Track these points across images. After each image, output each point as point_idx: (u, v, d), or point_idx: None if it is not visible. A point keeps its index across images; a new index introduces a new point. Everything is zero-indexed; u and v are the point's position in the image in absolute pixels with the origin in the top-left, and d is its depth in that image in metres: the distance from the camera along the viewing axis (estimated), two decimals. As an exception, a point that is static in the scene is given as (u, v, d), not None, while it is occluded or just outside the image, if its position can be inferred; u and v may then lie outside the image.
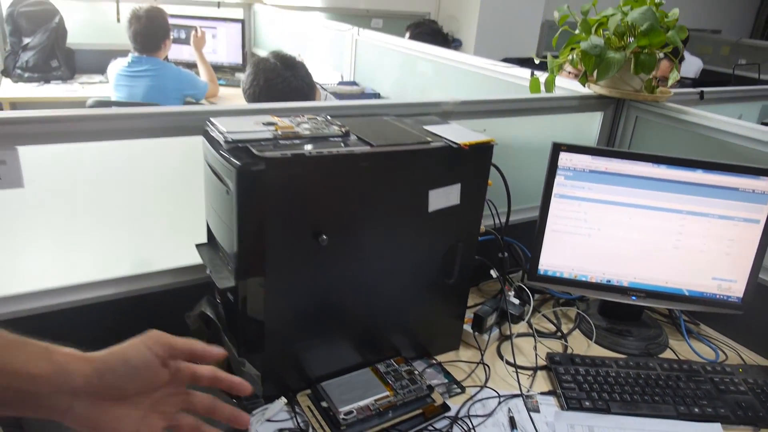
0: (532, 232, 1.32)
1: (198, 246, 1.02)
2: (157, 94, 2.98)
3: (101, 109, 0.92)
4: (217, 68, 3.67)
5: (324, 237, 0.90)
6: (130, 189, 1.05)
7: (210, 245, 1.02)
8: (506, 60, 4.52)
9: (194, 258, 1.05)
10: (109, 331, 1.04)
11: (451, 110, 1.24)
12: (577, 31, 1.45)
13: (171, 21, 3.10)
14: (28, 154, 0.88)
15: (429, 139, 0.97)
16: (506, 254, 1.27)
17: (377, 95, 2.65)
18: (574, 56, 1.48)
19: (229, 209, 0.86)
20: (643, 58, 1.35)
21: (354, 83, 2.82)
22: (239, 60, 3.88)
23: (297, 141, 0.88)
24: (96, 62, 3.67)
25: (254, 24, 4.01)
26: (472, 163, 1.03)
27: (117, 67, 3.00)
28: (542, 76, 1.53)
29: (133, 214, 1.05)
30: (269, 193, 0.84)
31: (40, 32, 3.34)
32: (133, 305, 1.04)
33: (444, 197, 1.03)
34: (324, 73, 3.08)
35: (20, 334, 0.96)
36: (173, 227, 1.09)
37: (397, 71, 2.55)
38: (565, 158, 1.24)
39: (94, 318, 1.00)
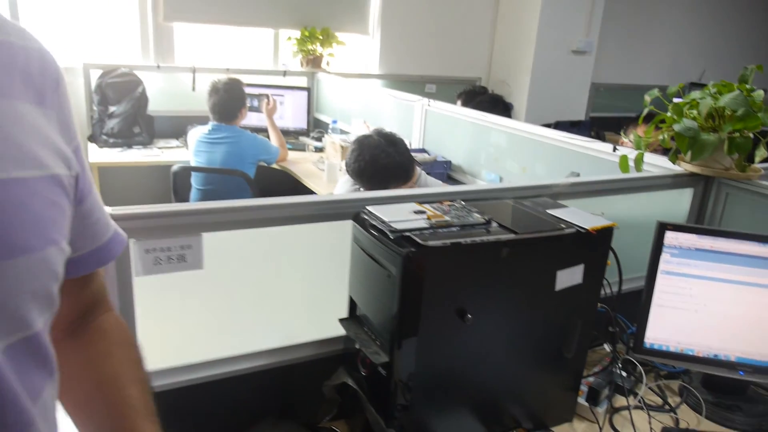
0: (630, 303, 1.37)
1: (342, 320, 1.11)
2: (234, 159, 3.16)
3: (271, 200, 1.03)
4: (284, 133, 3.86)
5: (469, 316, 0.98)
6: (280, 267, 1.15)
7: (354, 320, 1.11)
8: (558, 123, 4.64)
9: (332, 330, 1.14)
10: (258, 398, 1.13)
11: (561, 192, 1.32)
12: (669, 114, 1.54)
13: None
14: (208, 240, 0.99)
15: (562, 225, 1.06)
16: (617, 328, 1.32)
17: (448, 163, 2.77)
18: (665, 136, 1.57)
19: (389, 291, 0.95)
20: (739, 141, 1.43)
21: (424, 151, 2.95)
22: (304, 125, 4.09)
23: (450, 230, 0.97)
24: (172, 127, 3.92)
25: (317, 91, 4.23)
26: (596, 246, 1.11)
27: (197, 134, 3.21)
28: (631, 154, 1.61)
29: (281, 290, 1.15)
30: (428, 277, 0.93)
31: (124, 101, 3.60)
32: (280, 375, 1.12)
33: (569, 277, 1.10)
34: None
35: (191, 402, 1.04)
36: (313, 302, 1.19)
37: (469, 141, 2.68)
38: (670, 237, 1.31)
39: (247, 387, 1.09)
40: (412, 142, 3.09)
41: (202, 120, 3.94)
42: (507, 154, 2.43)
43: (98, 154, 3.44)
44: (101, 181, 3.38)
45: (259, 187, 3.16)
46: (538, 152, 2.24)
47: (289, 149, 3.74)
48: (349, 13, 4.45)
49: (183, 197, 3.24)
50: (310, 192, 3.17)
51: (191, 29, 4.08)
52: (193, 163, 3.22)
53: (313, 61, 4.22)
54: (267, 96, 3.68)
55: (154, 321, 1.00)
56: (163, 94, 3.91)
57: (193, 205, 0.97)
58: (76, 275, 0.63)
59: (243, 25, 4.16)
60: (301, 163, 3.57)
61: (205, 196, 3.18)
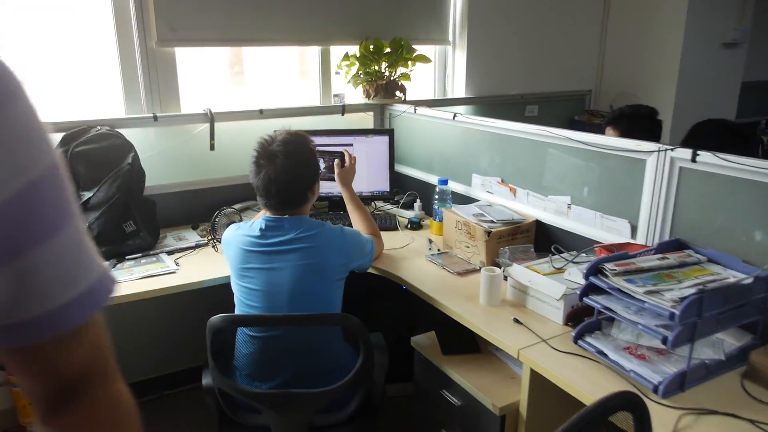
0: None
1: None
2: (312, 277, 1.75)
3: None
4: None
5: None
6: None
7: None
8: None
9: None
10: None
11: None
12: None
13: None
14: None
15: None
16: None
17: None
18: None
19: None
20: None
21: (683, 246, 1.56)
22: (386, 186, 2.68)
23: None
24: (184, 211, 2.52)
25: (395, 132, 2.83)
26: None
27: (238, 239, 1.79)
28: None
29: None
30: None
31: (106, 182, 2.18)
32: None
33: None
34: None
35: None
36: None
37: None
38: None
39: None
40: (641, 222, 1.71)
41: (227, 193, 2.56)
42: None
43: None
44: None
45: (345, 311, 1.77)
46: None
47: (375, 231, 2.34)
48: (420, 17, 3.08)
49: (227, 353, 1.82)
50: (451, 323, 1.76)
51: (198, 58, 2.67)
52: (239, 292, 1.80)
53: (385, 89, 2.83)
54: (343, 153, 2.27)
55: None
56: (165, 161, 2.50)
57: None
58: (19, 345, 0.51)
59: (276, 43, 2.76)
60: (407, 259, 2.16)
61: (265, 346, 1.76)
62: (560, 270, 1.75)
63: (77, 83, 2.43)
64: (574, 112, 3.65)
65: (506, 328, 1.62)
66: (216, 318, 1.58)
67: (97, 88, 2.48)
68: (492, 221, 2.04)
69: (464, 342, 1.86)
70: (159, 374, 2.68)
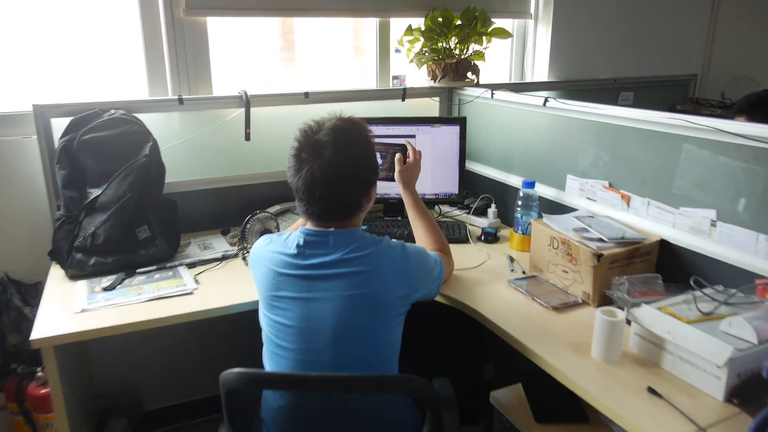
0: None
1: None
2: (365, 311, 1.30)
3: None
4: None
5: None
6: None
7: None
8: None
9: None
10: None
11: None
12: None
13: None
14: None
15: None
16: None
17: None
18: None
19: None
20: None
21: None
22: (455, 188, 2.20)
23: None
24: (206, 210, 2.12)
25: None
26: None
27: (269, 257, 1.37)
28: None
29: None
30: None
31: (117, 177, 1.80)
32: None
33: None
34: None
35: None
36: None
37: None
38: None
39: None
40: None
41: (264, 192, 2.15)
42: None
43: (64, 302, 1.62)
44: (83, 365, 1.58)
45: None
46: None
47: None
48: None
49: (249, 404, 1.40)
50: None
51: (234, 31, 2.27)
52: (264, 321, 1.38)
53: (455, 69, 2.35)
54: (404, 146, 1.82)
55: None
56: (190, 153, 2.11)
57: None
58: None
59: (326, 13, 2.32)
60: (483, 284, 1.68)
61: (300, 402, 1.33)
62: (710, 316, 1.24)
63: (94, 60, 2.07)
64: (675, 100, 3.07)
65: (638, 401, 1.13)
66: (230, 374, 1.14)
67: (117, 65, 2.11)
68: (601, 239, 1.54)
69: (565, 405, 1.38)
70: (179, 402, 2.31)
